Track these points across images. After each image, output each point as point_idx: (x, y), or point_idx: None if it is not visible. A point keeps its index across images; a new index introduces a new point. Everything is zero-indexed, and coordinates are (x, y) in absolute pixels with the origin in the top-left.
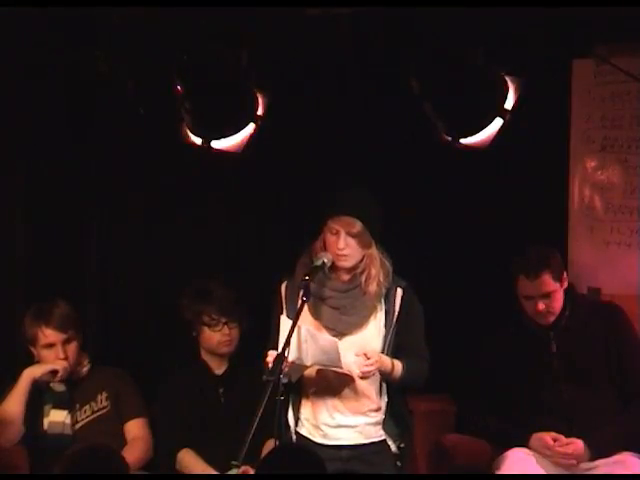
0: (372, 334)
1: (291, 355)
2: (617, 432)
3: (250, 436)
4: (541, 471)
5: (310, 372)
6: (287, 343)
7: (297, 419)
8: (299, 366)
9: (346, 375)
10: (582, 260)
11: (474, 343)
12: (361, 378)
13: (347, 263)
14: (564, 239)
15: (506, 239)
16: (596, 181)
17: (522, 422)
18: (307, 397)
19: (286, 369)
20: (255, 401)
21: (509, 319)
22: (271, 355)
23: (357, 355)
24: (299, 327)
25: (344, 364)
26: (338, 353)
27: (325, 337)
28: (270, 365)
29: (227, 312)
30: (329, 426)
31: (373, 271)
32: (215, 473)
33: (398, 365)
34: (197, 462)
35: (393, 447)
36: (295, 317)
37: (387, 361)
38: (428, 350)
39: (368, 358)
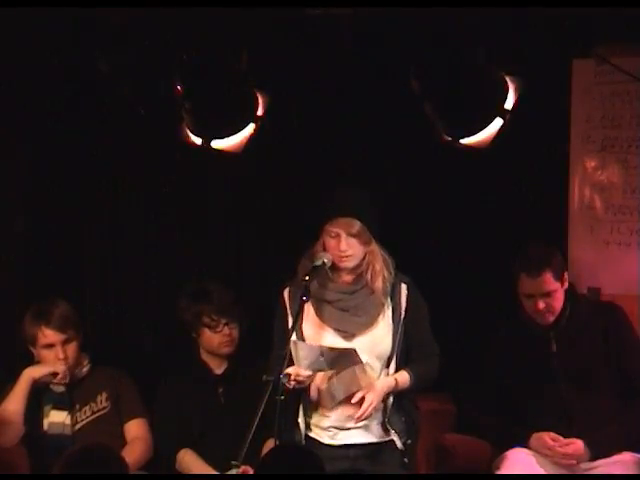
0: (382, 333)
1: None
2: (617, 432)
3: (250, 436)
4: (541, 471)
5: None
6: (287, 348)
7: (307, 423)
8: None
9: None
10: (582, 260)
11: (474, 342)
12: (358, 420)
13: (350, 263)
14: (564, 239)
15: (506, 240)
16: (596, 181)
17: (522, 422)
18: (317, 401)
19: (308, 381)
20: (255, 401)
21: (509, 319)
22: (294, 374)
23: (353, 402)
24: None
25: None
26: (358, 356)
27: (342, 353)
28: (292, 384)
29: (227, 313)
30: (339, 429)
31: (377, 267)
32: (215, 473)
33: (404, 377)
34: (197, 462)
35: (399, 443)
36: (295, 317)
37: (387, 385)
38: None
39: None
